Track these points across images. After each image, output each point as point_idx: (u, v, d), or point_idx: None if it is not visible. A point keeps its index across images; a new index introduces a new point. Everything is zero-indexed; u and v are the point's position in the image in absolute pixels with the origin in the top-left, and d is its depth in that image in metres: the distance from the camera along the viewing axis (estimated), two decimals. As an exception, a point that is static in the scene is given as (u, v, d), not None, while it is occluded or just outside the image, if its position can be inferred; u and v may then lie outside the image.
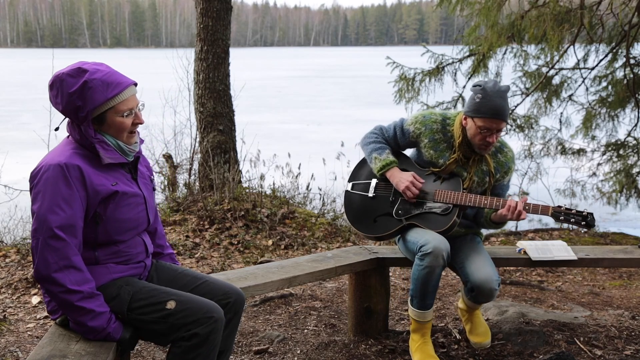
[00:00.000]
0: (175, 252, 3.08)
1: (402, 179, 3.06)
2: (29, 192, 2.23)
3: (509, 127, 7.19)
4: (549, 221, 7.43)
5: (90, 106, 2.17)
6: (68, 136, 2.30)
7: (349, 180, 3.34)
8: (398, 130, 3.17)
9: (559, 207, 2.91)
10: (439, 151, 3.06)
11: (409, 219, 3.08)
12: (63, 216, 2.10)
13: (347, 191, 3.32)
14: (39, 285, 4.26)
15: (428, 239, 2.89)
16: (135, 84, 2.30)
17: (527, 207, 2.89)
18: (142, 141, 2.42)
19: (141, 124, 2.33)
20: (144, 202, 2.36)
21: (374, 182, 3.22)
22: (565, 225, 7.00)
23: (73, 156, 2.18)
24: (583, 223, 2.86)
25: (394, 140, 3.19)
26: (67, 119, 2.29)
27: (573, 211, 2.88)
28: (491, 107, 2.86)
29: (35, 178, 2.16)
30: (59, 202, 2.11)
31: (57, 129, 2.36)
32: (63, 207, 2.11)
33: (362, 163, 3.33)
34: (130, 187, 2.30)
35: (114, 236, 2.26)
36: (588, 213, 2.87)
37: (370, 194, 3.21)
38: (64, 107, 2.20)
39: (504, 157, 3.10)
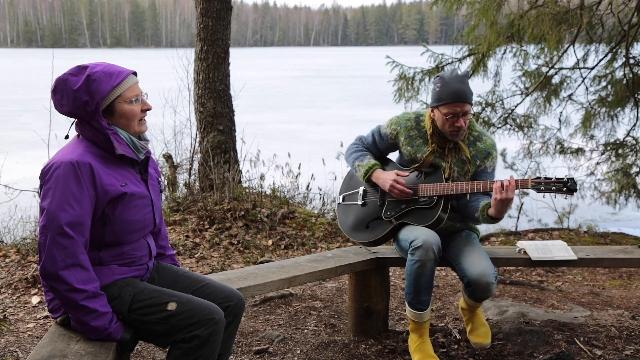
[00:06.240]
0: (175, 252, 3.08)
1: (386, 179, 3.14)
2: (38, 189, 2.23)
3: (508, 126, 7.19)
4: (549, 221, 7.43)
5: (98, 97, 2.18)
6: (78, 135, 2.30)
7: (339, 194, 3.45)
8: (376, 136, 3.28)
9: (538, 177, 2.88)
10: (416, 146, 3.13)
11: (398, 218, 3.14)
12: (72, 214, 2.11)
13: (339, 204, 3.43)
14: (39, 285, 4.26)
15: (417, 234, 2.95)
16: (135, 73, 2.32)
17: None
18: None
19: (149, 109, 2.36)
20: (151, 204, 2.37)
21: (361, 189, 3.32)
22: (564, 225, 7.00)
23: (85, 154, 2.19)
24: (564, 189, 2.81)
25: (374, 146, 3.29)
26: (74, 123, 2.28)
27: (553, 179, 2.84)
28: (450, 92, 2.93)
29: (47, 175, 2.16)
30: (69, 199, 2.11)
31: (67, 137, 2.35)
32: (73, 205, 2.11)
33: (349, 175, 3.45)
34: (139, 188, 2.31)
35: (121, 237, 2.27)
36: (568, 178, 2.83)
37: (360, 202, 3.30)
38: (71, 106, 2.20)
39: (483, 144, 3.12)
